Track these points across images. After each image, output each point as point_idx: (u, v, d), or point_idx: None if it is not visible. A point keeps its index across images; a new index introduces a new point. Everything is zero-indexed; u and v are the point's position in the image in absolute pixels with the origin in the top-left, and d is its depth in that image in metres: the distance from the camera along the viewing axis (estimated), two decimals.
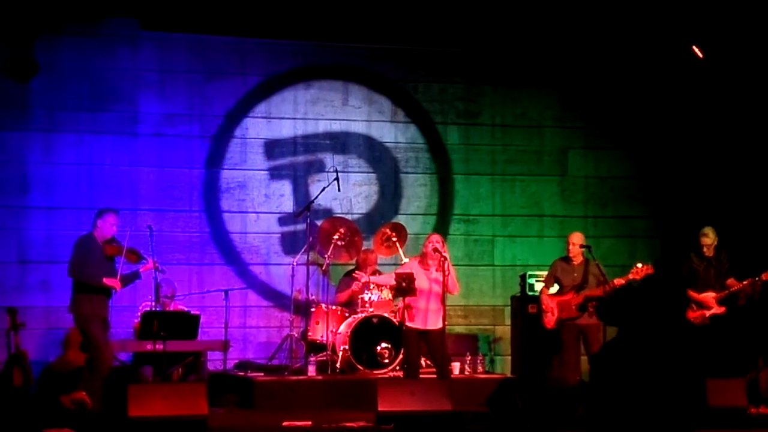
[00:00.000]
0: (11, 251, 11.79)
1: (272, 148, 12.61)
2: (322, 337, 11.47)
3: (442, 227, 12.71)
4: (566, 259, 11.01)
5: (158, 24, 12.07)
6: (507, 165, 13.17)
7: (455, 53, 13.05)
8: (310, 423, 9.38)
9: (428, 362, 11.15)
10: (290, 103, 12.68)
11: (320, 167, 12.68)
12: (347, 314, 11.62)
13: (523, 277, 12.34)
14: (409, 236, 12.04)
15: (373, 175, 12.88)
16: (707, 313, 11.02)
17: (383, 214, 12.78)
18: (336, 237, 11.78)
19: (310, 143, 12.72)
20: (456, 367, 11.70)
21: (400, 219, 12.57)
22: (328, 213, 12.50)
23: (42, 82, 11.87)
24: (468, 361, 11.98)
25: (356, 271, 11.84)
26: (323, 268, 11.90)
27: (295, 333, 11.78)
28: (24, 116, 11.88)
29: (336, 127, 12.80)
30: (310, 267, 11.74)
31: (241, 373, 11.45)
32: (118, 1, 11.86)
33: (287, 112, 12.67)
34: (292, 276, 11.79)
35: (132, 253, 10.19)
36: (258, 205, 12.54)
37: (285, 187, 12.63)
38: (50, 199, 11.88)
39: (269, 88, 12.62)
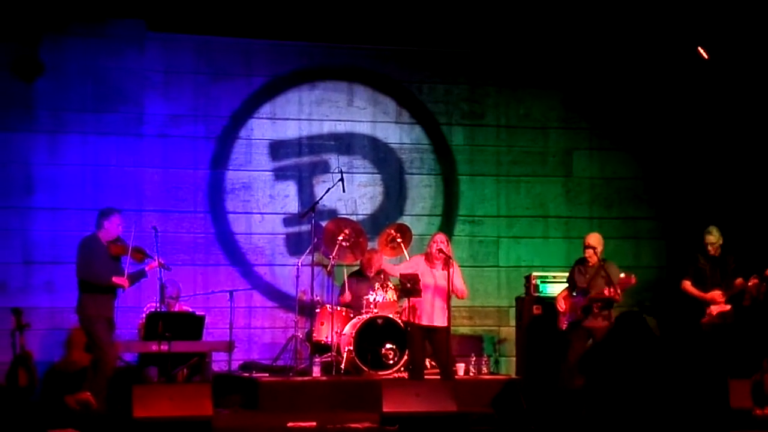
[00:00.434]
0: (16, 252, 11.80)
1: (277, 148, 12.62)
2: (326, 338, 11.47)
3: (446, 228, 12.71)
4: (583, 261, 11.06)
5: (164, 25, 12.08)
6: (512, 166, 13.17)
7: (460, 54, 13.05)
8: (314, 424, 9.38)
9: (433, 363, 11.17)
10: (295, 104, 12.69)
11: (325, 168, 12.68)
12: (352, 315, 11.62)
13: (527, 278, 12.34)
14: (413, 237, 12.03)
15: (378, 175, 12.88)
16: (714, 311, 11.02)
17: (388, 214, 12.78)
18: (341, 238, 11.77)
19: (315, 144, 12.72)
20: (461, 368, 11.70)
21: (405, 220, 12.56)
22: (332, 214, 12.50)
23: (47, 82, 11.88)
24: (473, 362, 11.99)
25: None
26: (328, 269, 11.91)
27: (299, 334, 11.78)
28: (29, 117, 11.89)
29: (341, 128, 12.80)
30: (315, 268, 11.73)
31: (246, 374, 11.46)
32: (124, 2, 11.87)
33: (292, 113, 12.67)
34: (297, 277, 11.79)
35: (137, 252, 10.21)
36: (263, 205, 12.55)
37: (290, 188, 12.63)
38: (55, 199, 11.88)
39: (274, 89, 12.62)
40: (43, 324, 11.64)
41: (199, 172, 12.37)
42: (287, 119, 12.66)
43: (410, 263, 10.79)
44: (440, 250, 10.37)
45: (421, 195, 12.98)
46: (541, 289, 12.13)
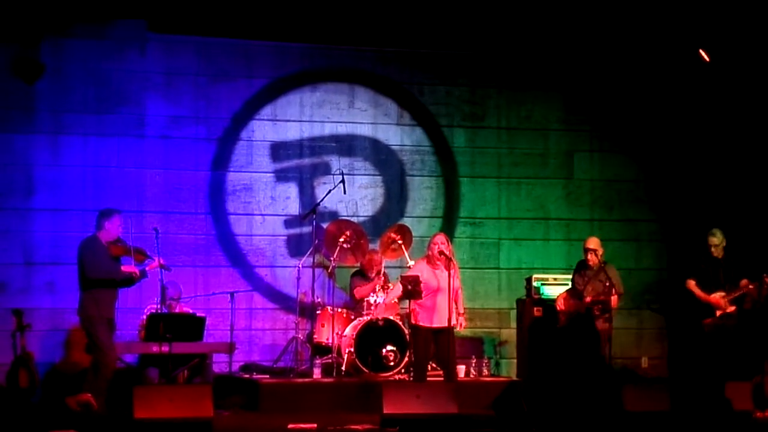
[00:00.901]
0: (17, 253, 11.80)
1: (278, 150, 12.62)
2: (327, 339, 11.47)
3: (447, 230, 12.68)
4: (583, 264, 11.08)
5: (165, 26, 12.08)
6: (513, 168, 13.17)
7: (461, 56, 13.05)
8: (315, 425, 9.38)
9: (433, 365, 11.17)
10: (296, 106, 12.69)
11: (326, 170, 12.68)
12: (353, 317, 11.62)
13: (528, 280, 12.34)
14: (414, 239, 12.05)
15: (379, 177, 12.88)
16: (717, 313, 11.03)
17: (389, 216, 12.78)
18: (342, 239, 11.79)
19: (316, 146, 12.72)
20: (461, 369, 11.69)
21: (406, 222, 12.56)
22: (333, 215, 12.50)
23: (48, 83, 11.89)
24: (473, 364, 12.00)
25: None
26: (329, 270, 11.92)
27: (300, 335, 11.79)
28: (30, 118, 11.89)
29: (342, 129, 12.80)
30: (316, 269, 11.75)
31: (247, 376, 11.46)
32: (125, 4, 11.87)
33: (293, 114, 12.68)
34: (298, 278, 11.80)
35: (138, 253, 10.21)
36: (264, 207, 12.55)
37: (291, 190, 12.63)
38: (56, 201, 11.88)
39: (275, 90, 12.62)
40: (44, 325, 11.65)
41: (200, 173, 12.37)
42: (288, 121, 12.66)
43: (413, 271, 10.74)
44: (441, 252, 10.37)
45: (422, 197, 12.98)
46: (541, 291, 12.13)
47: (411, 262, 11.42)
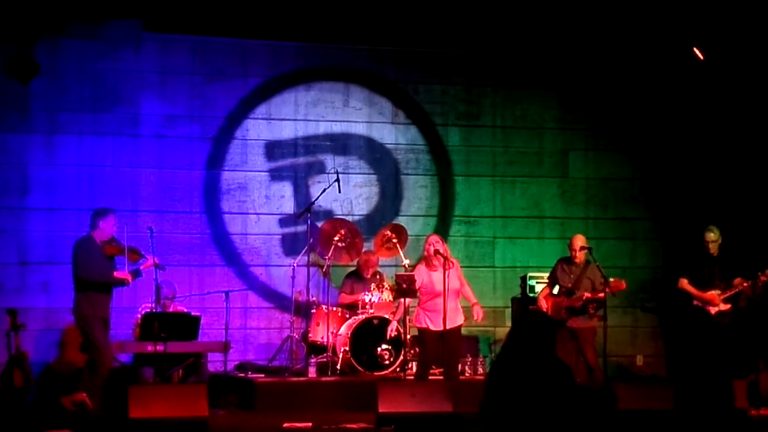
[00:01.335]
0: (12, 252, 11.80)
1: (273, 149, 12.62)
2: (322, 338, 11.47)
3: (442, 229, 12.72)
4: (568, 261, 10.98)
5: (160, 25, 12.08)
6: (507, 166, 13.17)
7: (456, 55, 13.05)
8: (310, 424, 9.38)
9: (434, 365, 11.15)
10: (291, 105, 12.69)
11: (321, 169, 12.68)
12: (348, 315, 11.63)
13: (523, 279, 12.35)
14: (409, 238, 12.05)
15: (374, 176, 12.88)
16: (713, 311, 11.03)
17: (384, 215, 12.78)
18: (337, 238, 11.79)
19: (311, 145, 12.72)
20: None
21: (401, 220, 12.57)
22: (328, 214, 12.51)
23: (43, 83, 11.89)
24: (468, 363, 11.98)
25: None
26: (324, 269, 11.92)
27: (295, 334, 11.78)
28: (25, 117, 11.89)
29: (337, 128, 12.80)
30: (311, 268, 11.74)
31: (242, 375, 11.46)
32: (120, 3, 11.87)
33: (288, 113, 12.68)
34: (293, 277, 11.79)
35: (132, 252, 10.21)
36: (259, 206, 12.54)
37: (286, 189, 12.63)
38: (51, 200, 11.88)
39: (270, 89, 12.63)
40: (39, 324, 11.65)
41: (195, 172, 12.37)
42: (283, 120, 12.66)
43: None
44: (437, 251, 10.34)
45: (417, 195, 12.98)
46: (537, 290, 12.12)
47: (406, 261, 11.41)
